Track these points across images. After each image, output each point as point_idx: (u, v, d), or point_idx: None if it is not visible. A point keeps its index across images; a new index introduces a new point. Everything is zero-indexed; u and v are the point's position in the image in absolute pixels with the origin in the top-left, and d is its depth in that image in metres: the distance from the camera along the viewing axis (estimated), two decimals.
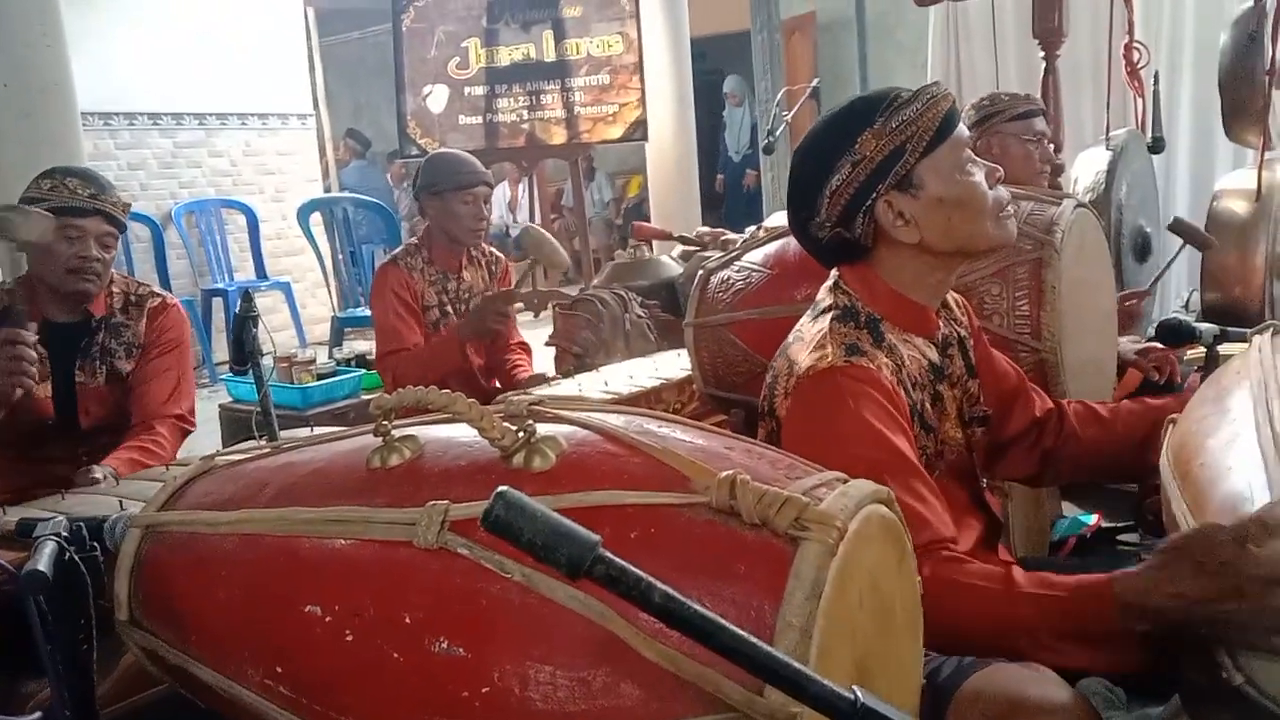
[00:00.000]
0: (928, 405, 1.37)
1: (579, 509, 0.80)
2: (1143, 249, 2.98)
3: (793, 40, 7.34)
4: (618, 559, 0.60)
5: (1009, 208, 1.38)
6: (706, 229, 3.89)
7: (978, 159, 1.36)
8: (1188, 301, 3.73)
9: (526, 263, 2.99)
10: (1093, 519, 2.20)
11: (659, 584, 0.60)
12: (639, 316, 3.10)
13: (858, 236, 1.35)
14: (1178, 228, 2.68)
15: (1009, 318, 1.90)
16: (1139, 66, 3.74)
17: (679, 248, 3.83)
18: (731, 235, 3.51)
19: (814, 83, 5.35)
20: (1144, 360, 2.45)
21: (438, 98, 5.58)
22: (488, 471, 0.87)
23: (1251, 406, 1.15)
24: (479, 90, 5.49)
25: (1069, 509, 2.30)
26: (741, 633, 0.60)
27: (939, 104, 1.32)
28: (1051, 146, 2.86)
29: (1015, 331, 1.89)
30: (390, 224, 6.47)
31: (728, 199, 9.32)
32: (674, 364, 2.72)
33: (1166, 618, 1.00)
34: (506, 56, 5.45)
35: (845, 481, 0.88)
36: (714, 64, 9.83)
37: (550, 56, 5.40)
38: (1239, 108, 3.31)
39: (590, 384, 2.62)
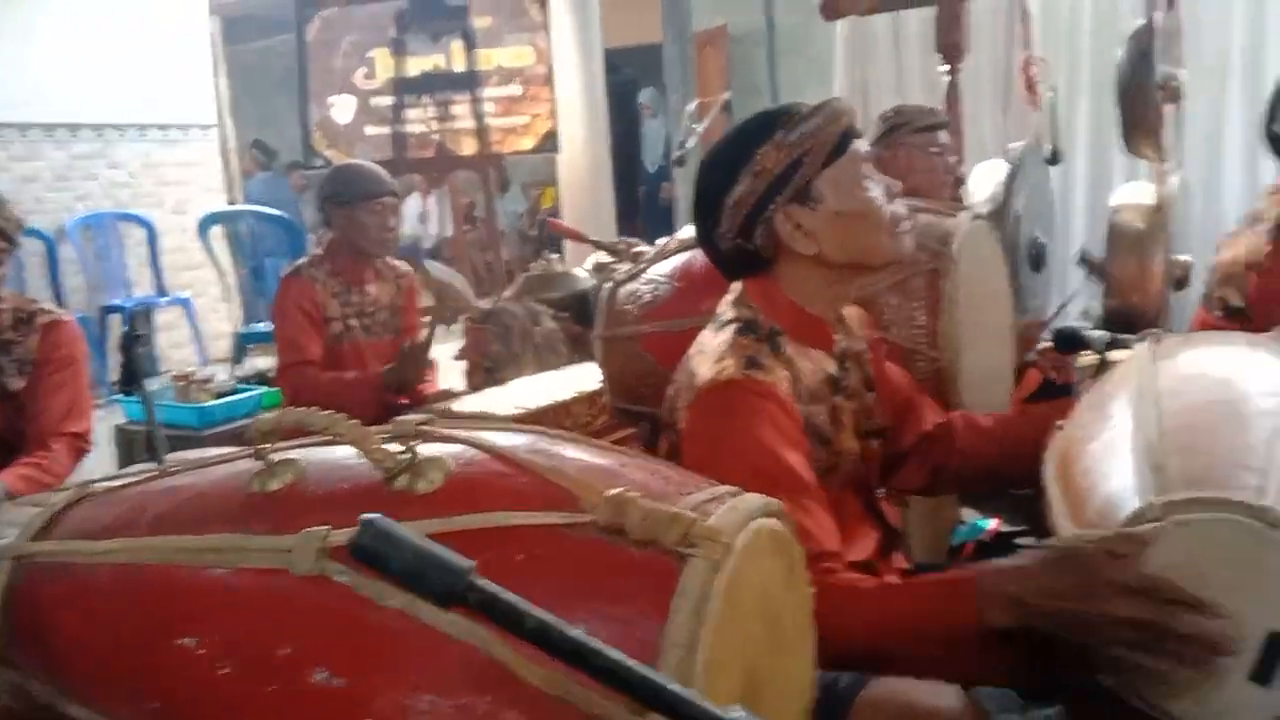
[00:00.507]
0: (824, 418, 1.38)
1: (463, 532, 0.78)
2: (1038, 259, 3.06)
3: (705, 53, 7.40)
4: (490, 585, 0.58)
5: (906, 223, 1.40)
6: (620, 239, 3.89)
7: (876, 174, 1.39)
8: (1087, 309, 3.84)
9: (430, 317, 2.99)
10: (991, 524, 2.25)
11: (533, 610, 0.58)
12: (550, 329, 3.08)
13: (758, 248, 1.36)
14: (1087, 261, 2.76)
15: (907, 328, 1.93)
16: (1037, 81, 3.86)
17: (591, 260, 3.83)
18: (643, 247, 3.51)
19: (725, 96, 5.39)
20: (1043, 360, 2.52)
21: (343, 108, 5.50)
22: (370, 495, 0.85)
23: (1130, 413, 1.19)
24: (386, 101, 5.41)
25: (968, 515, 2.35)
26: (617, 656, 0.59)
27: (838, 119, 1.34)
28: (955, 159, 2.93)
29: (913, 342, 1.92)
30: (295, 237, 6.34)
31: (645, 210, 9.34)
32: (585, 377, 2.71)
33: (1024, 610, 1.03)
34: (415, 67, 5.38)
35: (736, 495, 0.88)
36: (629, 75, 9.86)
37: (460, 67, 5.35)
38: (1136, 122, 3.42)
39: (500, 398, 2.59)
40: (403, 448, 0.88)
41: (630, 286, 2.31)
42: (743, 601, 0.83)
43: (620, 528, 0.79)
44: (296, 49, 5.51)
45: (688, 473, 0.96)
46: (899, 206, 1.38)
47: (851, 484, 1.45)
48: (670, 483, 0.90)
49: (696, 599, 0.76)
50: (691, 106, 4.67)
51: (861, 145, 1.36)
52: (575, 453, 0.93)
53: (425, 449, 0.88)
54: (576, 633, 0.58)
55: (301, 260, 3.01)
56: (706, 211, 1.39)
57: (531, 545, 0.79)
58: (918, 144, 2.74)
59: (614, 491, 0.79)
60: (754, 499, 0.87)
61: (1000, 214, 3.04)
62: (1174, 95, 3.30)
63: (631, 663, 0.59)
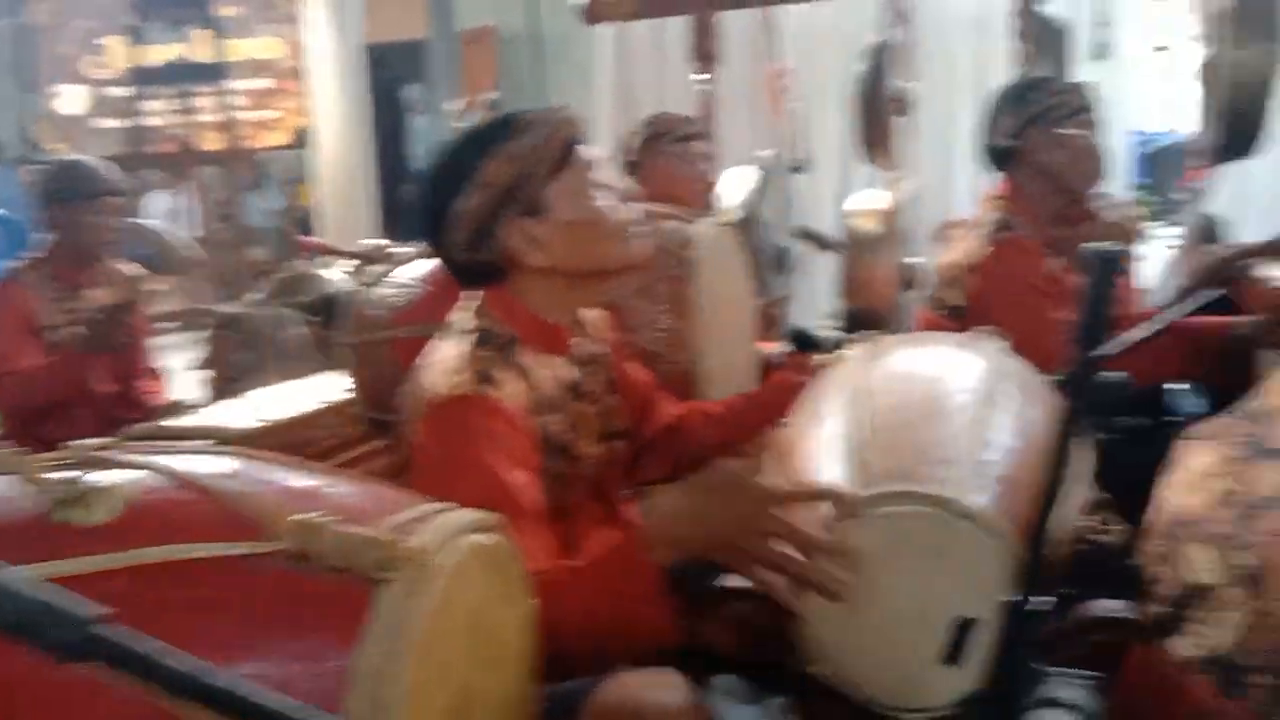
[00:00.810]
0: (563, 426, 1.38)
1: (132, 568, 0.72)
2: (781, 262, 3.21)
3: (472, 51, 7.31)
4: (118, 635, 0.53)
5: (640, 227, 1.41)
6: (374, 241, 3.78)
7: (605, 180, 1.39)
8: (831, 310, 4.05)
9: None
10: None
11: (170, 660, 0.54)
12: (299, 335, 2.95)
13: (490, 260, 1.35)
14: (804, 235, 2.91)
15: (652, 331, 1.97)
16: (784, 92, 4.04)
17: (349, 262, 3.70)
18: (399, 249, 3.43)
19: (492, 96, 5.35)
20: (789, 364, 2.62)
21: (72, 99, 5.09)
22: (30, 531, 0.77)
23: (843, 411, 1.25)
24: (122, 92, 5.05)
25: None
26: (272, 701, 0.56)
27: (563, 127, 1.34)
28: (708, 166, 3.01)
29: (658, 345, 1.96)
30: (18, 236, 5.79)
31: (411, 209, 9.11)
32: (335, 386, 2.60)
33: (688, 543, 1.09)
34: (155, 56, 5.05)
35: (445, 512, 0.86)
36: (397, 71, 9.63)
37: (206, 57, 5.06)
38: (870, 132, 3.66)
39: (240, 411, 2.45)
40: (77, 475, 0.80)
41: (381, 289, 2.25)
42: (450, 622, 0.80)
43: (309, 555, 0.75)
44: (16, 33, 5.06)
45: (401, 491, 0.93)
46: (630, 211, 1.39)
47: (596, 488, 1.46)
48: (378, 502, 0.87)
49: (392, 625, 0.73)
50: (454, 105, 4.61)
51: (589, 152, 1.36)
52: (275, 476, 0.88)
53: (102, 476, 0.81)
54: (225, 680, 0.54)
55: (17, 264, 2.77)
56: (434, 224, 1.36)
57: (209, 579, 0.74)
58: (677, 153, 2.80)
59: (301, 517, 0.75)
60: (463, 515, 0.85)
61: (749, 220, 3.17)
62: (905, 108, 3.54)
63: (288, 705, 0.56)
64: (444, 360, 1.33)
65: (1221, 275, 2.34)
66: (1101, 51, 3.90)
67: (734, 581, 1.24)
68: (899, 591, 1.04)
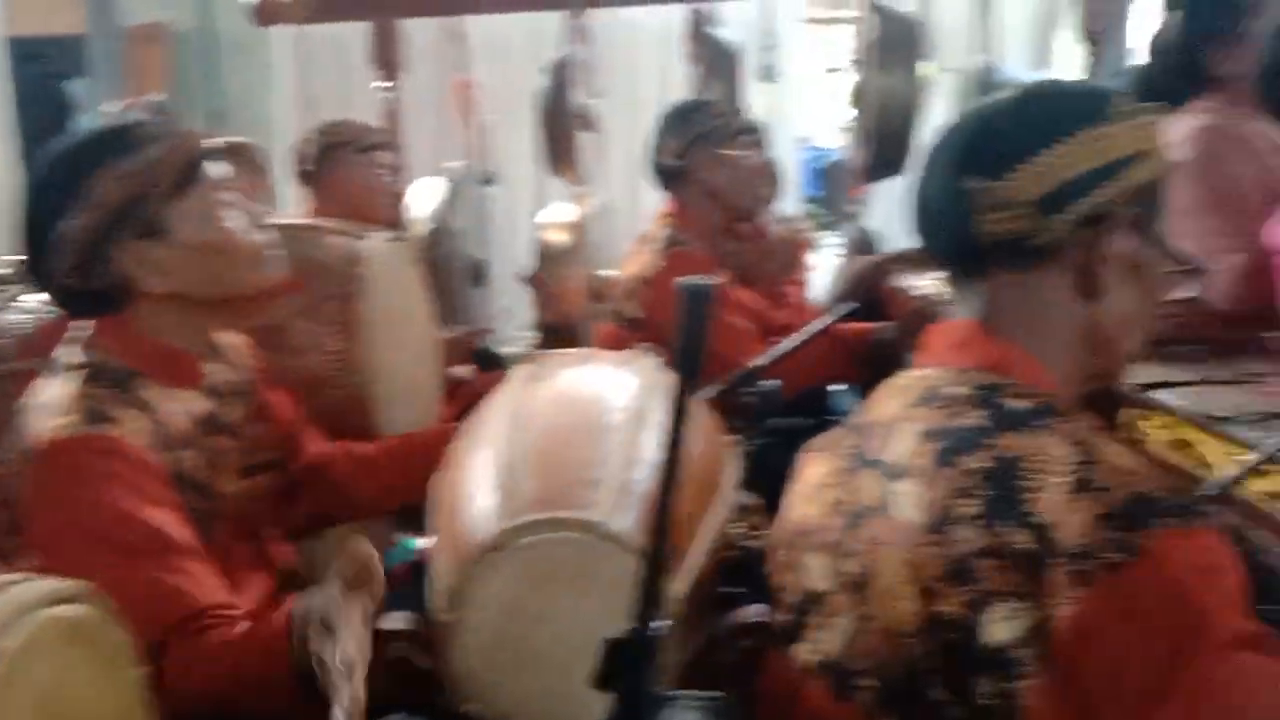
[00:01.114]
0: (198, 463, 1.27)
1: None
2: (477, 276, 3.18)
3: (142, 50, 6.75)
4: None
5: (274, 250, 1.34)
6: (15, 257, 3.39)
7: (237, 201, 1.31)
8: (527, 323, 4.06)
9: None
10: (422, 543, 2.25)
11: None
12: None
13: (102, 287, 1.23)
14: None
15: (320, 354, 1.87)
16: (472, 103, 4.01)
17: None
18: None
19: (156, 96, 4.94)
20: (478, 380, 2.59)
21: None
22: None
23: (500, 436, 1.23)
24: None
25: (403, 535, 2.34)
26: None
27: (185, 144, 1.25)
28: (395, 177, 2.92)
29: (327, 368, 1.87)
30: None
31: None
32: None
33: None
34: None
35: (13, 585, 0.76)
36: (58, 67, 8.75)
37: None
38: (556, 147, 3.70)
39: None
40: None
41: (8, 315, 2.03)
42: (14, 706, 0.71)
43: None
44: None
45: None
46: (263, 234, 1.32)
47: (240, 529, 1.36)
48: None
49: None
50: (111, 106, 4.22)
51: (217, 171, 1.28)
52: None
53: None
54: None
55: None
56: (32, 244, 1.23)
57: None
58: (359, 163, 2.69)
59: None
60: (36, 588, 0.76)
61: (439, 232, 3.12)
62: (590, 124, 3.60)
63: None
64: (50, 401, 1.20)
65: (866, 285, 2.55)
66: (769, 73, 4.14)
67: (389, 623, 1.19)
68: (549, 620, 1.03)
